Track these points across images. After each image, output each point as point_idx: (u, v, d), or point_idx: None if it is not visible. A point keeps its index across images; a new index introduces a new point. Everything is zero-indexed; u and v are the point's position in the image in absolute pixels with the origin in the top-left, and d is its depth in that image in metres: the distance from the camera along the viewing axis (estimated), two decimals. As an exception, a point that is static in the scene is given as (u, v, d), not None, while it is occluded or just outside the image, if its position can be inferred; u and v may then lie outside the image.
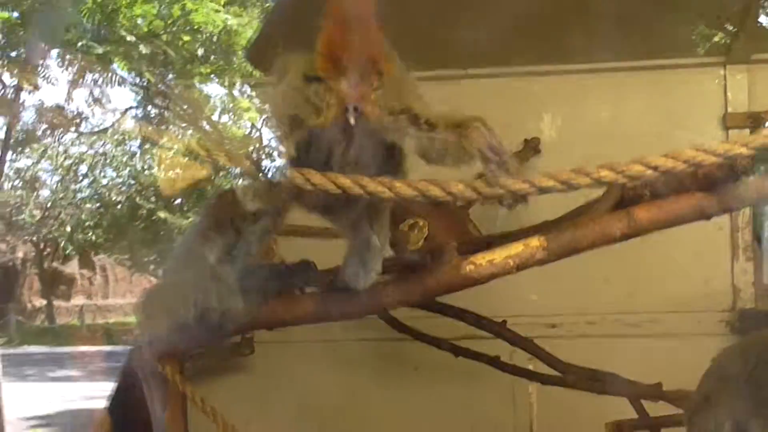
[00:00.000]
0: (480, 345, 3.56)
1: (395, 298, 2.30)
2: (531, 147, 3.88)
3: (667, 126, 4.03)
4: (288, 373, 4.11)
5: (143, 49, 10.22)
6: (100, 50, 10.03)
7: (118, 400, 3.80)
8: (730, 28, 4.62)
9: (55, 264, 31.11)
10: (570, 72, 4.21)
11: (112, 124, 16.26)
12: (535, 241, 2.16)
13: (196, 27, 12.85)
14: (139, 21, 12.46)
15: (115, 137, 21.86)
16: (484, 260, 2.15)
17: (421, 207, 3.09)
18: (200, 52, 13.78)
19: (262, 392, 4.10)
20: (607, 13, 3.86)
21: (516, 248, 2.15)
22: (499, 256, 2.15)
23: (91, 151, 23.34)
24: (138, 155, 22.15)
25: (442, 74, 4.22)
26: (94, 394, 15.50)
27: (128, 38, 11.43)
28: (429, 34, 4.08)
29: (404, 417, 4.10)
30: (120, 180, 23.50)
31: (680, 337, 3.98)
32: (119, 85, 11.14)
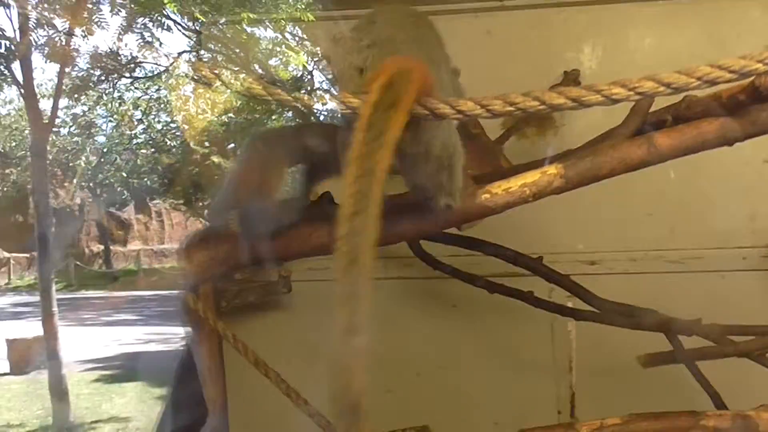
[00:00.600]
0: (520, 283, 3.52)
1: (411, 228, 2.26)
2: (571, 79, 3.78)
3: (713, 56, 3.90)
4: (326, 312, 4.11)
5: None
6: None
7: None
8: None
9: (111, 209, 31.51)
10: (611, 1, 4.09)
11: (166, 69, 16.31)
12: (552, 169, 2.10)
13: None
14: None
15: (169, 82, 21.96)
16: (499, 189, 2.11)
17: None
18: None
19: (299, 330, 4.10)
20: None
21: (533, 176, 2.10)
22: (514, 184, 2.10)
23: (146, 97, 23.46)
24: (192, 100, 22.23)
25: (478, 6, 4.12)
26: (151, 337, 15.78)
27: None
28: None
29: (443, 354, 4.09)
30: (174, 125, 23.65)
31: (724, 273, 3.90)
32: (169, 30, 11.11)
